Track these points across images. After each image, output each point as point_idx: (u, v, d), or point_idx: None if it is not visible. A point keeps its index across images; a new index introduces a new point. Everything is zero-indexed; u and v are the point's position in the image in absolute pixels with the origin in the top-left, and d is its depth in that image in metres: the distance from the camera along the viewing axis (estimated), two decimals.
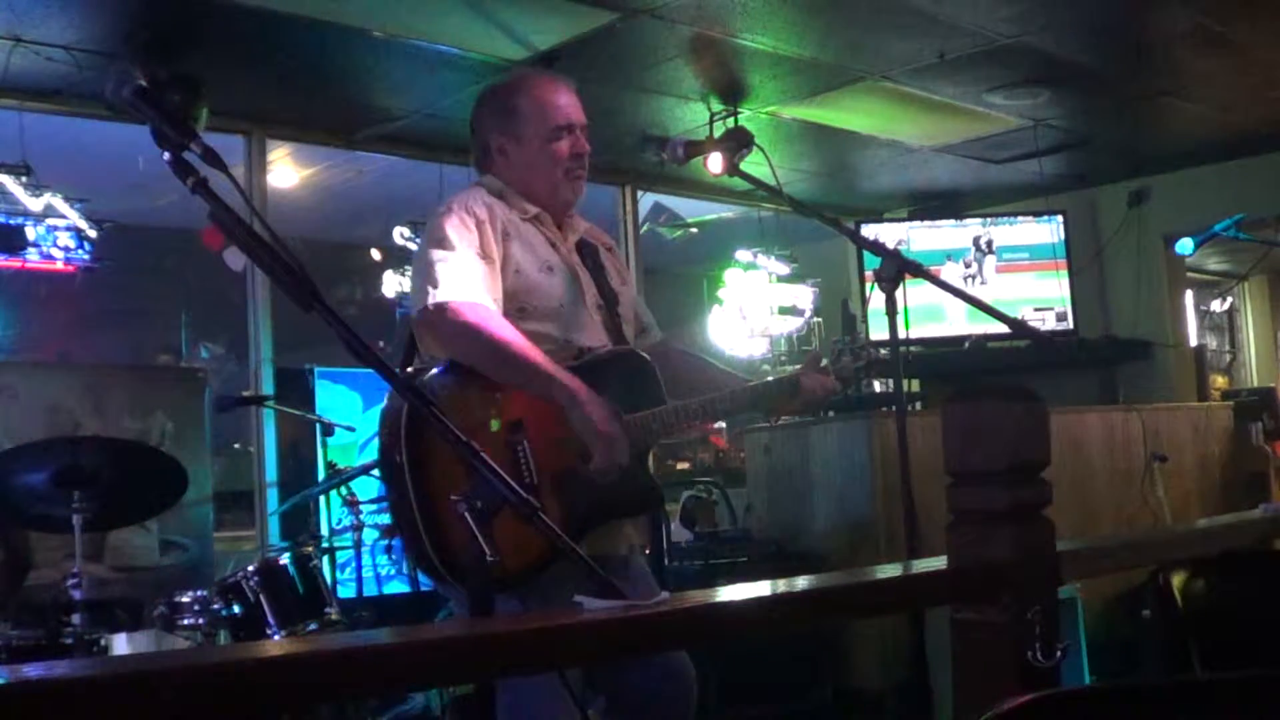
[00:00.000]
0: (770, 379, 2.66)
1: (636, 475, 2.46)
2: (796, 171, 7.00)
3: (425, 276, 2.39)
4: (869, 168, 7.11)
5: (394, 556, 5.43)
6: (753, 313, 7.91)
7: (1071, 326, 6.67)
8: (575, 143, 2.57)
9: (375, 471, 4.51)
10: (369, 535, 5.26)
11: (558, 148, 2.56)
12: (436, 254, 2.39)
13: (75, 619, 3.45)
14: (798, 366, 2.75)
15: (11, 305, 7.71)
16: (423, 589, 5.81)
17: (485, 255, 2.43)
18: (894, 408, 2.58)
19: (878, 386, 5.33)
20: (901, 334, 2.53)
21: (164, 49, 4.64)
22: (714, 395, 2.55)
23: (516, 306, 2.45)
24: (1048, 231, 6.76)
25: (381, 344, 8.59)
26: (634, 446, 2.43)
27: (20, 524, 3.93)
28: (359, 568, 5.09)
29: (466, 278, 2.38)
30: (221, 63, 4.84)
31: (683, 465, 9.52)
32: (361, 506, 4.87)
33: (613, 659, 2.19)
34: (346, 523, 4.96)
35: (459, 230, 2.43)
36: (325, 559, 4.58)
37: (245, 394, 5.46)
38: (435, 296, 2.36)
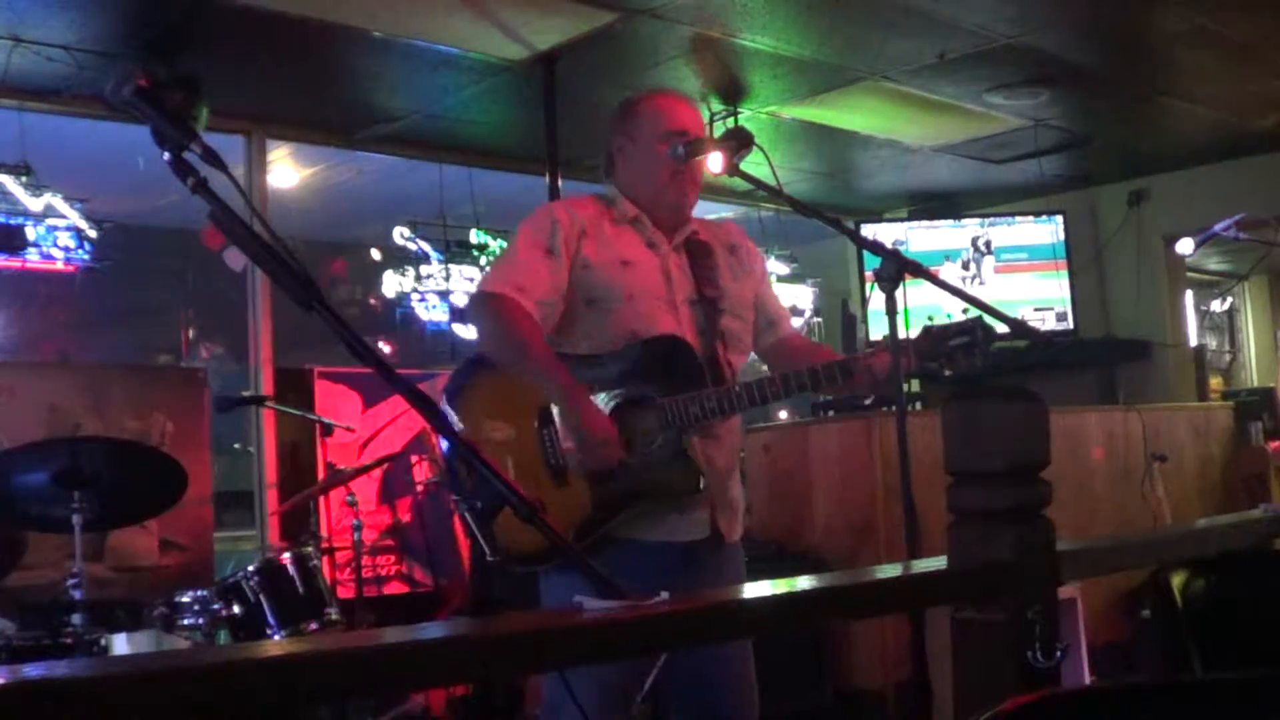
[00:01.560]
0: (825, 363, 2.59)
1: (674, 459, 2.50)
2: (796, 171, 7.00)
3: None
4: (869, 168, 7.11)
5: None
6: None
7: (1071, 326, 6.67)
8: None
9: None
10: (369, 535, 5.25)
11: (670, 150, 2.64)
12: (503, 251, 2.64)
13: (75, 619, 3.45)
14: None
15: (11, 305, 7.71)
16: (420, 589, 5.82)
17: (550, 251, 2.58)
18: (894, 408, 2.55)
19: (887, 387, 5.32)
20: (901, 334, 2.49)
21: (164, 49, 4.65)
22: (760, 379, 2.56)
23: (585, 298, 2.59)
24: (1046, 232, 6.77)
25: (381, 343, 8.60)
26: (670, 429, 2.49)
27: (20, 524, 3.92)
28: (359, 568, 5.09)
29: (513, 272, 2.56)
30: (221, 63, 4.84)
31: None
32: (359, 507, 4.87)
33: (613, 659, 2.19)
34: (346, 523, 4.96)
35: (530, 228, 2.62)
36: (325, 559, 4.57)
37: (245, 394, 5.46)
38: (479, 286, 2.65)
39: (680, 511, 2.53)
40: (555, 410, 2.52)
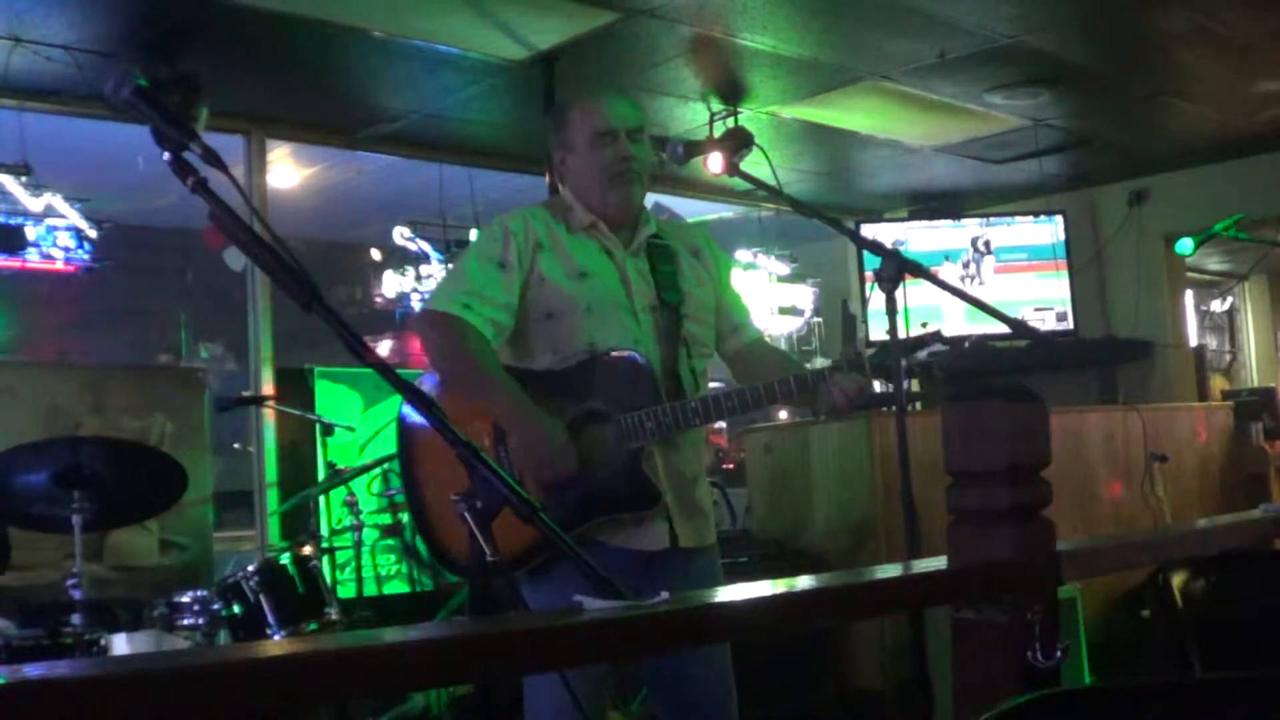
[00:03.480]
0: (782, 379, 2.56)
1: (630, 473, 2.49)
2: (796, 171, 7.00)
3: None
4: (869, 168, 7.11)
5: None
6: (753, 313, 7.91)
7: (1071, 326, 6.67)
8: (618, 148, 2.62)
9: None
10: (369, 535, 5.25)
11: (601, 154, 2.61)
12: (455, 263, 2.54)
13: (75, 619, 3.45)
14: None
15: (11, 305, 7.72)
16: (420, 589, 5.82)
17: (504, 265, 2.56)
18: (894, 408, 2.56)
19: (878, 386, 5.33)
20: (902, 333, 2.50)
21: (164, 49, 4.65)
22: (716, 394, 2.54)
23: (544, 312, 2.57)
24: (1046, 232, 6.76)
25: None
26: (626, 445, 2.48)
27: (20, 524, 3.92)
28: (359, 568, 5.10)
29: (461, 288, 2.54)
30: (221, 63, 4.84)
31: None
32: (361, 506, 4.87)
33: (614, 659, 2.20)
34: (346, 523, 4.96)
35: (483, 242, 2.64)
36: (325, 559, 4.57)
37: (245, 394, 5.46)
38: (426, 304, 2.61)
39: (637, 524, 2.51)
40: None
